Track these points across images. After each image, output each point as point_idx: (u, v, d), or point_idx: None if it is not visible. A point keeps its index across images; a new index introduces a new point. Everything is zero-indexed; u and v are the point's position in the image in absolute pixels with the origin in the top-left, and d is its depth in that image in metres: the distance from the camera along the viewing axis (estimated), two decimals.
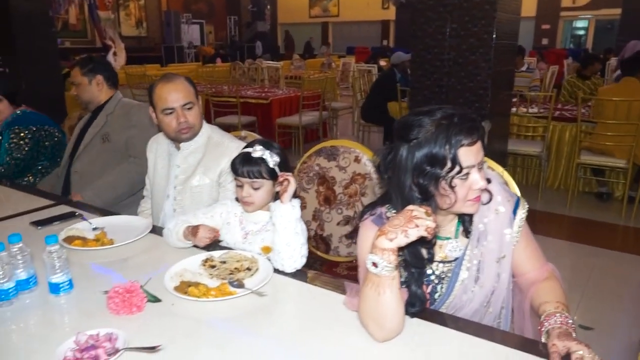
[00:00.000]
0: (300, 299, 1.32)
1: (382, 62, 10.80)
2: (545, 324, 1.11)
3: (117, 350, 1.06)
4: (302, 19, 22.03)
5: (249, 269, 1.42)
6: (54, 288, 1.31)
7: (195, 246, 1.58)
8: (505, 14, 3.63)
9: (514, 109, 4.62)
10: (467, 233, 1.25)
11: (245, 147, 1.60)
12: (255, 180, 1.53)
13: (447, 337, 1.13)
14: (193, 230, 1.54)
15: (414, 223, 1.02)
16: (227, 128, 2.48)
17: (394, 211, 1.24)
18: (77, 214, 1.89)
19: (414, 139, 1.14)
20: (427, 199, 1.15)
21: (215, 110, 5.93)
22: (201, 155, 1.92)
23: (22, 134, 2.65)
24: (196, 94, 1.89)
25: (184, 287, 1.33)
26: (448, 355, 1.07)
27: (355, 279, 1.32)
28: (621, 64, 4.92)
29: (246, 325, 1.20)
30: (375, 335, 1.09)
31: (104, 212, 1.98)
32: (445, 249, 1.25)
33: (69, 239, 1.63)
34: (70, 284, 1.33)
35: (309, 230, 1.96)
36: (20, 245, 1.31)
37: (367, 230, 1.24)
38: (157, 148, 2.04)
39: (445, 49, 3.74)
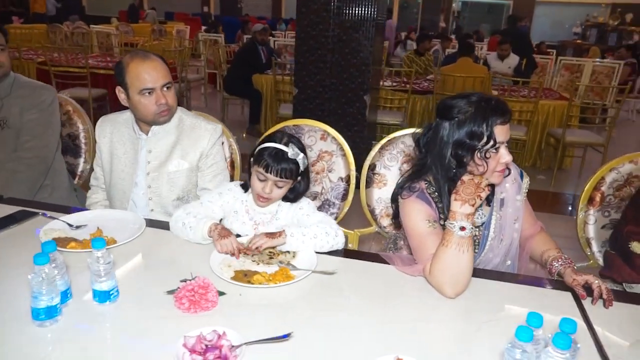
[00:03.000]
0: (351, 272, 1.41)
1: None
2: (555, 264, 1.42)
3: (237, 345, 1.04)
4: None
5: (287, 251, 1.45)
6: (103, 296, 1.17)
7: None
8: None
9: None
10: (488, 202, 1.49)
11: (270, 139, 1.54)
12: (284, 180, 1.51)
13: (490, 286, 1.36)
14: (222, 232, 1.44)
15: (481, 188, 1.26)
16: (78, 102, 2.36)
17: (433, 188, 1.42)
18: (40, 213, 1.62)
19: (455, 117, 1.33)
20: (461, 167, 1.35)
21: (57, 82, 5.20)
22: (174, 138, 1.80)
23: None
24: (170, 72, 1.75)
25: (241, 276, 1.32)
26: (498, 299, 1.31)
27: None
28: (458, 49, 5.76)
29: (326, 302, 1.26)
30: (448, 292, 1.27)
31: (61, 208, 1.74)
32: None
33: (60, 242, 1.43)
34: (117, 290, 1.21)
35: (388, 207, 1.98)
36: (56, 253, 1.14)
37: (415, 204, 1.40)
38: (113, 132, 1.84)
39: (330, 26, 3.93)
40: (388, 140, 2.10)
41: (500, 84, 5.48)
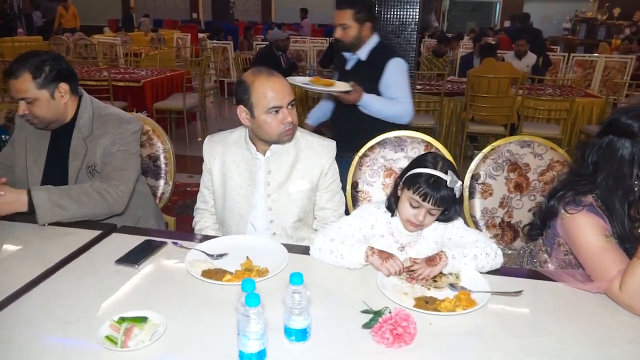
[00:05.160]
0: (529, 292, 1.35)
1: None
2: None
3: None
4: None
5: (450, 273, 1.39)
6: (300, 334, 1.10)
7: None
8: None
9: None
10: None
11: (423, 163, 1.45)
12: (439, 208, 1.45)
13: None
14: (382, 255, 1.39)
15: None
16: None
17: (600, 202, 1.37)
18: (170, 242, 1.53)
19: (638, 134, 1.28)
20: None
21: None
22: (292, 158, 1.72)
23: None
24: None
25: (423, 304, 1.25)
26: None
27: None
28: (480, 50, 5.75)
29: (527, 326, 1.20)
30: None
31: (184, 235, 1.65)
32: None
33: (211, 274, 1.35)
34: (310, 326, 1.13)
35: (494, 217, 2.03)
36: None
37: (589, 219, 1.35)
38: (225, 152, 1.75)
39: None
40: (492, 149, 2.06)
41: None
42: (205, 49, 7.95)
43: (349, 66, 2.62)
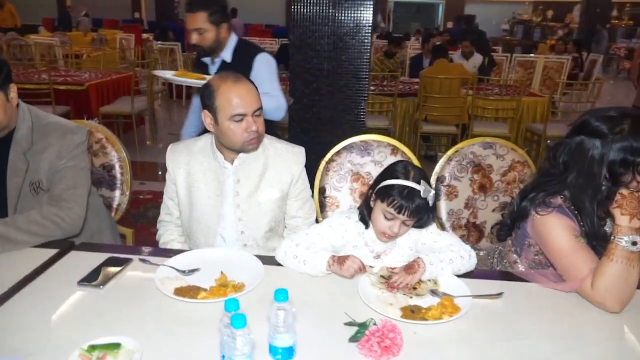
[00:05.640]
0: (506, 294, 1.36)
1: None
2: None
3: None
4: None
5: (429, 279, 1.39)
6: (287, 353, 1.06)
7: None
8: None
9: None
10: None
11: (394, 173, 1.44)
12: (414, 219, 1.43)
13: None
14: (340, 259, 1.38)
15: None
16: None
17: (568, 202, 1.41)
18: (138, 259, 1.44)
19: (608, 135, 1.32)
20: (616, 185, 1.35)
21: None
22: (260, 166, 1.67)
23: None
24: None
25: (409, 313, 1.24)
26: None
27: None
28: (432, 51, 5.85)
29: (508, 330, 1.22)
30: (615, 307, 1.26)
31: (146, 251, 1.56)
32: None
33: (184, 292, 1.28)
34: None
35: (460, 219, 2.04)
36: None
37: (559, 220, 1.38)
38: (190, 161, 1.68)
39: (326, 34, 3.86)
40: (456, 151, 2.08)
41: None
42: (152, 50, 7.67)
43: (212, 70, 2.47)
